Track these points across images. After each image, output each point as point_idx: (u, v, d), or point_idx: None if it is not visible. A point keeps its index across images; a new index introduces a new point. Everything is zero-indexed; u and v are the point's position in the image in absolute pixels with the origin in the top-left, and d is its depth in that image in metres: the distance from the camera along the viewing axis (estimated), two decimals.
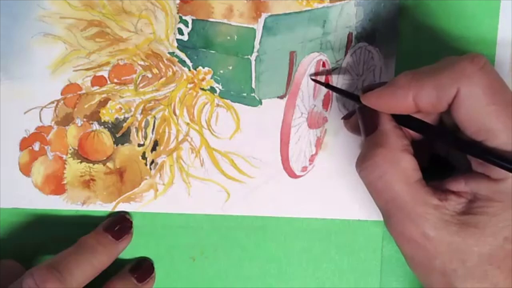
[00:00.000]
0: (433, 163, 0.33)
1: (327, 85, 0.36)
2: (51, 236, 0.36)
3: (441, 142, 0.32)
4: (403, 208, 0.29)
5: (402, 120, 0.30)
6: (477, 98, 0.27)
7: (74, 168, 0.36)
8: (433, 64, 0.29)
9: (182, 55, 0.36)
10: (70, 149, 0.36)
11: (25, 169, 0.36)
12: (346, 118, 0.35)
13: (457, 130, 0.29)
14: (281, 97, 0.36)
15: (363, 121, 0.31)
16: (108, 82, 0.36)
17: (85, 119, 0.36)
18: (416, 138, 0.32)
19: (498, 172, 0.27)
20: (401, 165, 0.29)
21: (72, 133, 0.36)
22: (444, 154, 0.33)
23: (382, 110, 0.30)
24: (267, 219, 0.38)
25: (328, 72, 0.37)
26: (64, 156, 0.36)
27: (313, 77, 0.36)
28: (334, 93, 0.37)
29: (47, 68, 0.35)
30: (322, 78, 0.37)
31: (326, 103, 0.37)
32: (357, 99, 0.31)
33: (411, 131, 0.31)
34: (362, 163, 0.30)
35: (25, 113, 0.36)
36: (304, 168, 0.38)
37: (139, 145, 0.36)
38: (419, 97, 0.28)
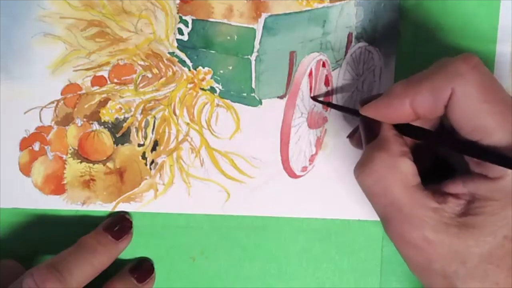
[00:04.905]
0: (434, 167, 0.33)
1: (328, 103, 0.37)
2: (51, 236, 0.36)
3: (440, 145, 0.32)
4: (402, 211, 0.29)
5: (402, 129, 0.30)
6: (471, 96, 0.27)
7: (74, 168, 0.36)
8: (427, 69, 0.29)
9: (182, 55, 0.36)
10: (70, 149, 0.36)
11: (25, 169, 0.36)
12: (350, 136, 0.35)
13: (455, 133, 0.29)
14: (281, 97, 0.36)
15: (364, 130, 0.31)
16: (108, 82, 0.36)
17: (85, 119, 0.36)
18: (417, 142, 0.32)
19: (495, 170, 0.27)
20: (400, 170, 0.29)
21: (72, 133, 0.36)
22: (445, 157, 0.34)
23: (382, 120, 0.30)
24: (267, 219, 0.37)
25: (328, 72, 0.37)
26: (64, 156, 0.36)
27: (314, 97, 0.37)
28: (334, 94, 0.37)
29: (47, 68, 0.35)
30: (321, 97, 0.37)
31: None
32: (358, 114, 0.31)
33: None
34: (360, 168, 0.30)
35: (25, 113, 0.36)
36: (304, 168, 0.38)
37: (139, 145, 0.36)
38: (416, 102, 0.28)
